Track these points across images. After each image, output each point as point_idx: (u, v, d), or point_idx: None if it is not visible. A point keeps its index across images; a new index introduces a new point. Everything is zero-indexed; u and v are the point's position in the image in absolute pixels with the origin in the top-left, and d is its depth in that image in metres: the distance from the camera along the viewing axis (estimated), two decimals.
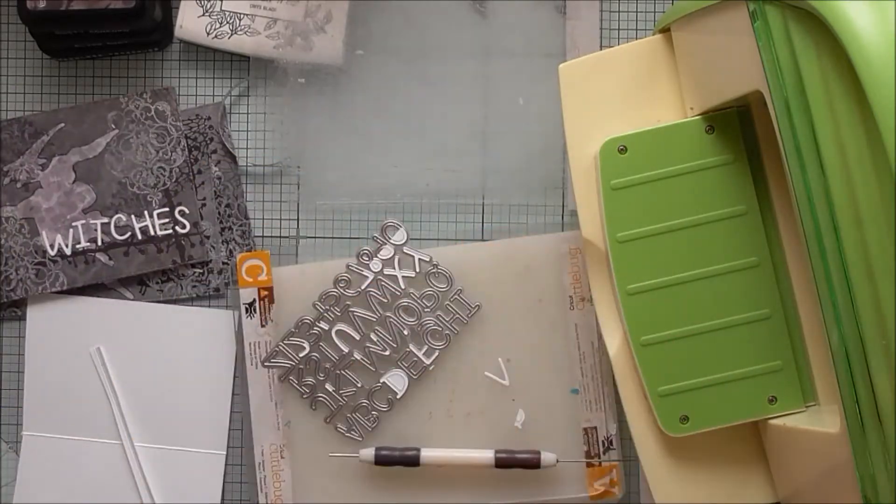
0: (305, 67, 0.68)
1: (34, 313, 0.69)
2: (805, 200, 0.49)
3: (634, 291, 0.60)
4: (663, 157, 0.59)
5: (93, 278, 0.68)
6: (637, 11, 0.69)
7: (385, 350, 0.66)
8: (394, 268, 0.66)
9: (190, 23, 0.68)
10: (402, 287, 0.66)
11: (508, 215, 0.69)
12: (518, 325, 0.67)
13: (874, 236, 0.47)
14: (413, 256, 0.66)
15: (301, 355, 0.66)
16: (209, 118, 0.69)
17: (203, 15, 0.68)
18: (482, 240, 0.69)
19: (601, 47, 0.69)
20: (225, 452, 0.69)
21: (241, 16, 0.68)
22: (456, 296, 0.66)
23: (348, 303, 0.66)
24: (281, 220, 0.70)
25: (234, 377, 0.69)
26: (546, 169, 0.69)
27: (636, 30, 0.69)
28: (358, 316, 0.66)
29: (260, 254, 0.67)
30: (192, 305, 0.69)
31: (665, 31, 0.61)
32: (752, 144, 0.60)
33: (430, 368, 0.66)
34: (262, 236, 0.70)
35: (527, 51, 0.68)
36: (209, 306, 0.69)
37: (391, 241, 0.66)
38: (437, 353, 0.66)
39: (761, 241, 0.59)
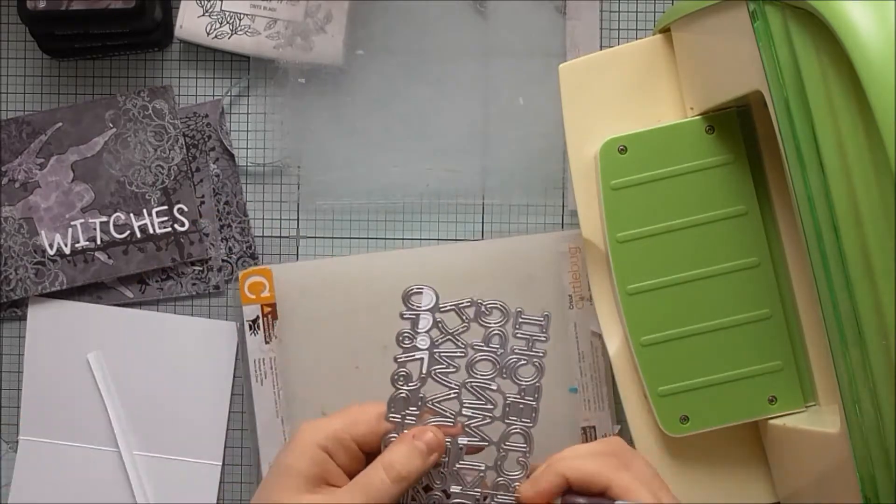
0: (305, 67, 0.68)
1: (34, 318, 0.69)
2: (805, 200, 0.49)
3: (634, 291, 0.60)
4: (663, 157, 0.59)
5: (92, 277, 0.68)
6: (637, 11, 0.69)
7: (485, 419, 0.53)
8: (444, 333, 0.53)
9: (190, 23, 0.68)
10: (463, 346, 0.53)
11: (508, 215, 0.69)
12: None
13: (874, 236, 0.47)
14: (455, 308, 0.53)
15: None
16: (207, 116, 0.69)
17: (203, 15, 0.68)
18: (482, 240, 0.69)
19: (601, 47, 0.69)
20: (221, 463, 0.69)
21: (241, 16, 0.68)
22: (520, 319, 0.53)
23: (420, 395, 0.53)
24: (281, 219, 0.70)
25: (233, 387, 0.69)
26: (546, 169, 0.69)
27: (636, 30, 0.69)
28: (437, 404, 0.53)
29: (262, 270, 0.67)
30: (192, 305, 0.69)
31: (665, 31, 0.61)
32: (752, 144, 0.60)
33: (536, 406, 0.53)
34: (262, 236, 0.70)
35: (527, 51, 0.68)
36: (209, 304, 0.69)
37: (424, 309, 0.53)
38: (536, 385, 0.53)
39: (761, 241, 0.59)
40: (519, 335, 0.52)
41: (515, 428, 0.53)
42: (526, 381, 0.52)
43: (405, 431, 0.52)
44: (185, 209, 0.69)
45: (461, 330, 0.53)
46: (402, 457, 0.50)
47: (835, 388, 0.50)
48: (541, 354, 0.52)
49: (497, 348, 0.53)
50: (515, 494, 0.52)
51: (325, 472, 0.50)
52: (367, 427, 0.51)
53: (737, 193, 0.59)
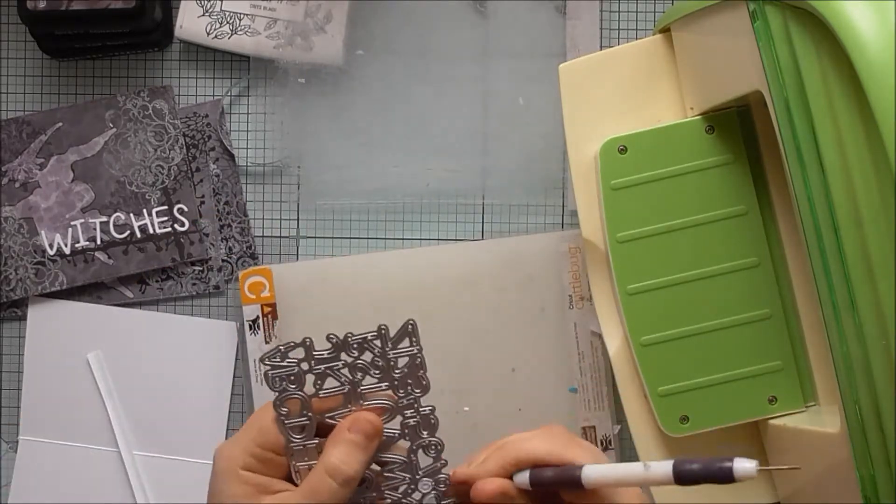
0: (305, 67, 0.68)
1: (34, 318, 0.69)
2: (805, 200, 0.49)
3: (634, 291, 0.60)
4: (663, 157, 0.59)
5: (92, 277, 0.68)
6: (637, 11, 0.69)
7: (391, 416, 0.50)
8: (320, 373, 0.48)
9: (190, 23, 0.68)
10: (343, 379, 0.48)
11: (508, 215, 0.69)
12: (517, 324, 0.67)
13: (874, 236, 0.47)
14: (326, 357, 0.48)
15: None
16: (207, 116, 0.69)
17: (203, 15, 0.68)
18: (482, 240, 0.69)
19: (601, 47, 0.69)
20: None
21: (241, 16, 0.68)
22: (389, 337, 0.49)
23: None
24: (281, 219, 0.70)
25: (233, 387, 0.69)
26: (546, 169, 0.69)
27: (636, 30, 0.69)
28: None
29: (262, 270, 0.67)
30: (192, 305, 0.69)
31: (665, 31, 0.61)
32: (752, 144, 0.60)
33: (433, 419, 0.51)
34: (262, 236, 0.70)
35: (527, 51, 0.68)
36: (209, 304, 0.69)
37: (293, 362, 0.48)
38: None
39: (761, 241, 0.59)
40: (393, 354, 0.48)
41: (423, 441, 0.49)
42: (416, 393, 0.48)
43: (340, 422, 0.48)
44: (185, 209, 0.69)
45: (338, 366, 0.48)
46: (344, 456, 0.47)
47: (835, 388, 0.50)
48: (418, 359, 0.48)
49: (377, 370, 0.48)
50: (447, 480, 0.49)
51: (261, 487, 0.48)
52: (275, 436, 0.48)
53: (737, 193, 0.59)
